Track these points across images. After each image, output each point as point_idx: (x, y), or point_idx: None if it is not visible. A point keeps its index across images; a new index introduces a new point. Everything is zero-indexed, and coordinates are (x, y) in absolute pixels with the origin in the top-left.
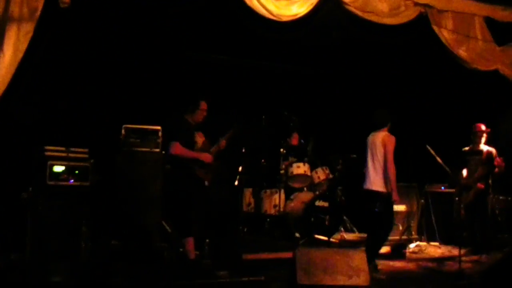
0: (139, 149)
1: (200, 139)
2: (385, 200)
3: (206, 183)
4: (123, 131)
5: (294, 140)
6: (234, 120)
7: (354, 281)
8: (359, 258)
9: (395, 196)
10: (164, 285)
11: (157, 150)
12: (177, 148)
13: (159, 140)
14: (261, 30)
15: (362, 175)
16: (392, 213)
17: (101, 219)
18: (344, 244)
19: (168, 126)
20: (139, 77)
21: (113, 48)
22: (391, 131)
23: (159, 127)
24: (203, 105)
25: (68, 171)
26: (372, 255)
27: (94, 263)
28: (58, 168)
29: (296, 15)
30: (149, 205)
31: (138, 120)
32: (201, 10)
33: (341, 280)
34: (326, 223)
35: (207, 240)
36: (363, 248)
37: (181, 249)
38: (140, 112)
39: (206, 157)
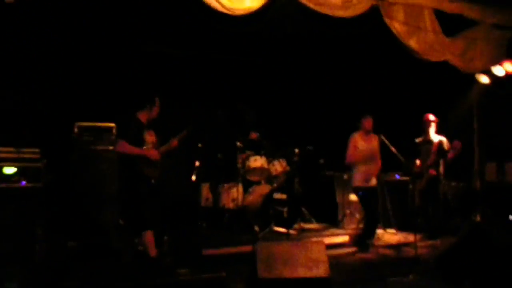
0: (93, 147)
1: (150, 137)
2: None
3: (153, 181)
4: (75, 129)
5: (253, 137)
6: (189, 119)
7: (314, 272)
8: (318, 250)
9: None
10: (123, 285)
11: (112, 147)
12: (121, 146)
13: (113, 138)
14: (215, 23)
15: (318, 166)
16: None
17: (56, 219)
18: (303, 235)
19: (117, 124)
20: (90, 72)
21: (63, 42)
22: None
23: (113, 124)
24: (158, 101)
25: (20, 173)
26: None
27: (50, 265)
28: (9, 170)
29: (250, 9)
30: (106, 203)
31: (91, 117)
32: (152, 3)
33: (302, 272)
34: (285, 215)
35: (166, 237)
36: (322, 240)
37: (140, 247)
38: (93, 109)
39: (152, 154)
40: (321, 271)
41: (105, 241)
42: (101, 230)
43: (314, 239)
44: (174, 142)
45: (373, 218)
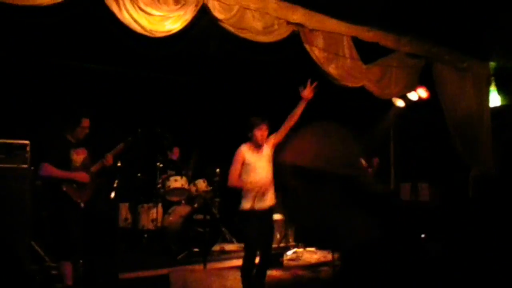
0: (5, 165)
1: (79, 156)
2: None
3: (82, 204)
4: None
5: (175, 154)
6: (110, 137)
7: None
8: (233, 278)
9: None
10: None
11: (25, 166)
12: (45, 170)
13: (28, 155)
14: (134, 45)
15: None
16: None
17: None
18: (222, 257)
19: (40, 144)
20: (3, 86)
21: None
22: None
23: (27, 142)
24: (85, 122)
25: None
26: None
27: None
28: None
29: (170, 31)
30: (17, 225)
31: (3, 134)
32: (71, 21)
33: None
34: (205, 236)
35: (81, 261)
36: (237, 268)
37: (53, 272)
38: (5, 125)
39: (81, 176)
40: None
41: (16, 266)
42: (11, 254)
43: (232, 262)
44: (109, 159)
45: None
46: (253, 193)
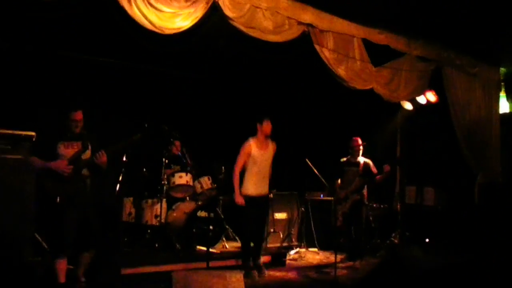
0: (10, 156)
1: (67, 150)
2: None
3: (58, 199)
4: None
5: (177, 148)
6: (115, 130)
7: None
8: (236, 280)
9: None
10: None
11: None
12: (33, 163)
13: None
14: (144, 41)
15: None
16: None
17: None
18: (225, 255)
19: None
20: (9, 78)
21: None
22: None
23: (33, 133)
24: (73, 115)
25: None
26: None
27: None
28: None
29: (180, 28)
30: (21, 216)
31: (9, 124)
32: (80, 16)
33: None
34: (209, 233)
35: (85, 254)
36: (240, 271)
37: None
38: (12, 115)
39: (58, 165)
40: None
41: (18, 257)
42: (13, 245)
43: (233, 272)
44: (102, 156)
45: (257, 233)
46: (254, 181)
